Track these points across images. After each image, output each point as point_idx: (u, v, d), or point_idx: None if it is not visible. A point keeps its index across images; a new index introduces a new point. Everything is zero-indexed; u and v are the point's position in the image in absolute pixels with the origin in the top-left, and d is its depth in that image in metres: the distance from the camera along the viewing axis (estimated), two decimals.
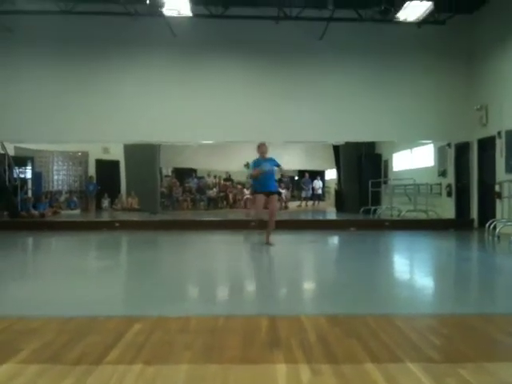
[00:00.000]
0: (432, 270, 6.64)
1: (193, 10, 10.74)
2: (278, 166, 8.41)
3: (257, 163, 8.34)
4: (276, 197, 8.63)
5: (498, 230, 9.39)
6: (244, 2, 11.50)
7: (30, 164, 16.46)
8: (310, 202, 22.05)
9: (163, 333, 3.33)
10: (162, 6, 9.78)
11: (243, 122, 12.11)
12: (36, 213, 13.61)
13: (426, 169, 14.54)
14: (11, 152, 14.55)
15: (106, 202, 18.23)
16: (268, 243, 8.35)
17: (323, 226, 12.10)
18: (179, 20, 11.23)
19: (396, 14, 10.79)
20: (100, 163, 18.75)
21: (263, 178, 8.26)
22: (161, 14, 10.55)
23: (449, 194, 13.16)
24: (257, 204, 8.50)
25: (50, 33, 11.90)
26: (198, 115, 12.07)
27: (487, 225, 10.02)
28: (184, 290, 5.21)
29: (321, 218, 14.77)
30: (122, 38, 11.99)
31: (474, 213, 12.16)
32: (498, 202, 10.77)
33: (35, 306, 4.19)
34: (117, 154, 17.74)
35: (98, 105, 11.99)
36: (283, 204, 15.45)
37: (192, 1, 10.31)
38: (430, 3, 10.35)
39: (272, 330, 3.38)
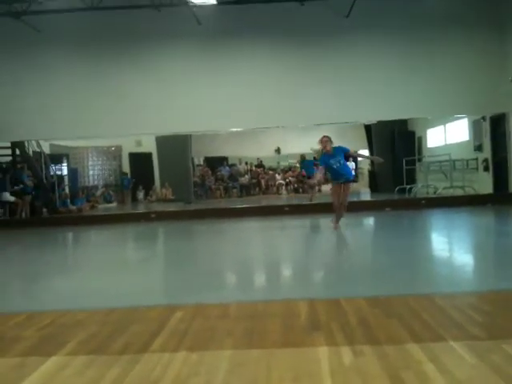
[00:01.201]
0: (470, 247, 6.52)
1: None
2: (348, 151, 8.14)
3: (323, 161, 8.00)
4: (350, 184, 8.28)
5: None
6: None
7: (65, 161, 16.86)
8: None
9: (204, 320, 3.38)
10: None
11: (272, 108, 12.05)
12: (74, 208, 13.93)
13: (461, 144, 14.21)
14: (47, 150, 14.91)
15: (140, 194, 18.50)
16: (336, 227, 8.12)
17: (358, 207, 11.98)
18: (204, 8, 11.22)
19: None
20: (133, 156, 19.01)
21: (335, 171, 7.94)
22: (185, 4, 10.54)
23: (486, 169, 12.84)
24: (333, 195, 8.10)
25: (76, 31, 12.08)
26: (227, 103, 12.08)
27: None
28: (222, 277, 5.26)
29: (355, 199, 14.60)
30: (147, 31, 12.07)
31: None
32: None
33: (79, 299, 4.30)
34: (149, 146, 17.94)
35: (127, 98, 12.13)
36: (317, 188, 15.35)
37: None
38: None
39: (312, 313, 3.39)
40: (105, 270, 5.75)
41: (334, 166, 7.85)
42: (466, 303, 3.53)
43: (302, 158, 16.65)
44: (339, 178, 7.96)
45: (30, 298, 4.62)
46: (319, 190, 15.84)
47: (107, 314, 3.65)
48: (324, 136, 8.08)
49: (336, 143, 8.37)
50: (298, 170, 20.09)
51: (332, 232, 7.98)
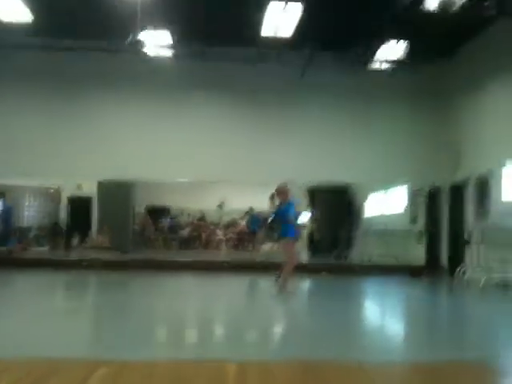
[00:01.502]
0: (401, 317, 6.64)
1: (173, 49, 10.91)
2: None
3: (286, 211, 7.59)
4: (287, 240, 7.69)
5: (466, 275, 9.49)
6: (224, 43, 11.62)
7: (0, 199, 16.11)
8: None
9: (129, 378, 3.23)
10: (143, 44, 9.93)
11: (219, 162, 12.20)
12: (4, 249, 13.24)
13: (398, 215, 14.70)
14: None
15: (76, 240, 17.85)
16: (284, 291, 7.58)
17: (296, 269, 12.02)
18: (159, 58, 11.38)
19: (372, 58, 11.14)
20: (72, 200, 18.47)
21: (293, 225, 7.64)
22: (141, 52, 10.66)
23: (419, 241, 13.29)
24: (292, 253, 7.81)
25: (30, 67, 11.96)
26: (174, 153, 12.13)
27: (457, 271, 10.12)
28: (151, 334, 5.08)
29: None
30: (100, 73, 12.09)
31: (444, 259, 12.29)
32: (467, 248, 10.92)
33: (2, 346, 4.03)
34: (90, 190, 17.51)
35: (73, 140, 12.00)
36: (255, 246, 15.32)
37: (173, 39, 10.48)
38: (405, 45, 10.71)
39: (241, 376, 3.31)
40: (30, 319, 5.44)
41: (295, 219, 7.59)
42: (396, 373, 3.55)
43: (251, 211, 15.29)
44: (296, 232, 7.74)
45: None
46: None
47: (27, 365, 3.43)
48: (284, 184, 7.87)
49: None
50: (241, 225, 20.11)
51: (273, 293, 7.91)
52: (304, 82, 12.18)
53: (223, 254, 17.12)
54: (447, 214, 12.35)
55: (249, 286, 10.08)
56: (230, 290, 9.08)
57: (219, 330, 5.44)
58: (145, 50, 10.37)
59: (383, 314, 6.83)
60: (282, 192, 7.79)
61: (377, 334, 5.30)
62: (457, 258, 11.46)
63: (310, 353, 4.14)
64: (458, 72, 12.16)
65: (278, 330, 5.55)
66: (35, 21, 9.49)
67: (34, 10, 9.11)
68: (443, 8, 8.45)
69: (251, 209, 14.93)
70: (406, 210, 14.32)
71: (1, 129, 11.84)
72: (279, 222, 7.72)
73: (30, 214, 18.30)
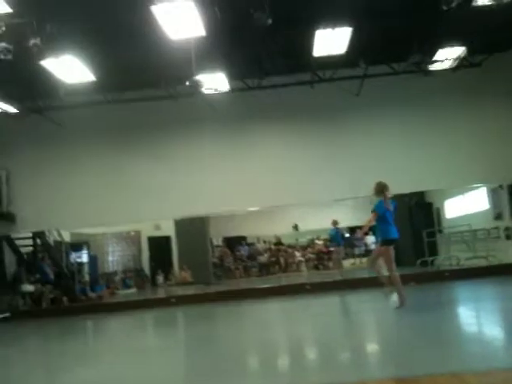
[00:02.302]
0: (499, 320, 6.28)
1: (230, 85, 11.17)
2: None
3: (381, 207, 7.14)
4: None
5: None
6: (278, 71, 11.78)
7: (85, 248, 16.98)
8: (364, 259, 21.57)
9: None
10: (201, 85, 10.22)
11: (288, 185, 12.24)
12: (94, 295, 13.86)
13: (481, 213, 14.09)
14: (67, 238, 15.09)
15: (160, 278, 18.39)
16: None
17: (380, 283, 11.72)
18: (218, 96, 11.67)
19: (430, 63, 10.88)
20: (152, 240, 19.13)
21: (391, 226, 7.08)
22: (200, 94, 10.97)
23: (508, 237, 12.62)
24: (388, 261, 7.11)
25: (96, 123, 12.61)
26: (243, 183, 12.31)
27: None
28: (244, 364, 5.10)
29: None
30: (165, 120, 12.57)
31: None
32: None
33: None
34: (168, 229, 18.07)
35: (147, 184, 12.46)
36: (337, 261, 15.05)
37: (229, 76, 10.74)
38: (463, 48, 10.40)
39: None
40: (123, 360, 5.63)
41: (390, 219, 6.97)
42: (500, 381, 3.36)
43: (334, 224, 14.11)
44: (394, 236, 7.06)
45: None
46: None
47: None
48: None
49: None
50: (318, 245, 19.98)
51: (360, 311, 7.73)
52: (363, 97, 12.07)
53: (304, 276, 16.99)
54: None
55: (334, 305, 9.89)
56: (315, 312, 8.97)
57: (311, 355, 5.37)
58: (203, 89, 10.65)
59: (479, 320, 6.49)
60: (384, 187, 7.17)
61: (475, 341, 5.03)
62: None
63: (407, 368, 4.00)
64: None
65: (370, 347, 5.40)
66: (97, 79, 10.02)
67: (94, 69, 9.63)
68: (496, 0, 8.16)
69: (335, 222, 14.47)
70: (489, 207, 13.70)
71: (75, 184, 12.50)
72: (387, 223, 7.10)
73: (114, 258, 19.12)
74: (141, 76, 11.22)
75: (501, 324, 6.05)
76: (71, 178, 12.58)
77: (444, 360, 4.16)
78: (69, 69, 9.17)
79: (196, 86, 9.93)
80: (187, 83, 9.86)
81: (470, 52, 10.86)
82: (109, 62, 10.15)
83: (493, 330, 5.64)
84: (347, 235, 20.59)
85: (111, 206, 12.42)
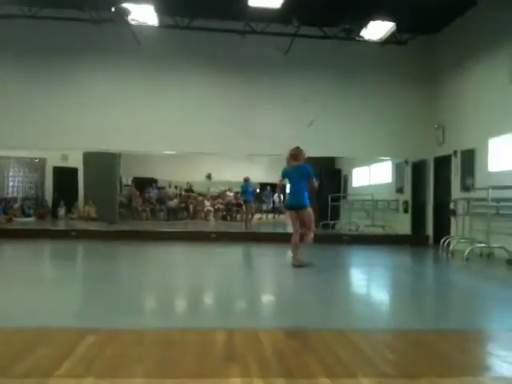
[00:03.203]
0: (387, 285, 6.75)
1: (159, 20, 10.72)
2: (310, 177, 7.30)
3: (285, 172, 7.51)
4: (306, 211, 7.34)
5: (451, 246, 9.66)
6: (211, 14, 11.52)
7: None
8: (271, 215, 22.21)
9: (117, 346, 3.26)
10: (127, 14, 9.71)
11: (206, 134, 12.12)
12: None
13: (384, 185, 14.86)
14: None
15: (62, 211, 17.79)
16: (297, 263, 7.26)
17: (282, 239, 12.15)
18: (145, 29, 11.19)
19: (359, 32, 11.08)
20: (58, 170, 18.34)
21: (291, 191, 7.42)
22: (126, 23, 10.46)
23: (405, 211, 13.47)
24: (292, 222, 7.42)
25: (11, 37, 11.66)
26: (161, 125, 12.03)
27: (441, 241, 10.28)
28: (140, 302, 5.12)
29: (281, 231, 14.82)
30: (85, 45, 11.88)
31: (430, 229, 12.49)
32: (452, 219, 11.08)
33: None
34: (75, 161, 17.37)
35: (58, 111, 11.82)
36: (249, 215, 15.41)
37: (158, 11, 10.30)
38: (393, 24, 10.69)
39: (229, 344, 3.36)
40: (16, 288, 5.44)
41: (293, 184, 7.31)
42: (380, 340, 3.64)
43: (245, 181, 15.05)
44: (293, 200, 7.35)
45: None
46: (251, 217, 15.81)
47: (14, 334, 3.45)
48: (298, 147, 7.51)
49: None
50: (229, 196, 20.19)
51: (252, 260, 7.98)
52: (291, 56, 12.07)
53: (211, 225, 17.18)
54: (433, 185, 12.50)
55: (240, 254, 10.13)
56: (218, 259, 9.13)
57: (207, 299, 5.49)
58: (129, 19, 10.13)
59: (368, 283, 6.94)
60: (298, 155, 7.41)
61: (363, 302, 5.39)
62: (442, 229, 11.65)
63: (297, 322, 4.21)
64: (444, 50, 12.14)
65: (265, 299, 5.62)
66: None
67: None
68: None
69: (246, 179, 14.85)
70: (392, 181, 14.46)
71: None
72: (297, 189, 7.32)
73: (14, 184, 18.16)
74: None
75: (386, 288, 6.50)
76: None
77: (331, 317, 4.44)
78: None
79: (122, 13, 9.42)
80: (113, 9, 9.33)
81: (399, 29, 11.17)
82: None
83: (379, 294, 6.04)
84: (257, 191, 20.99)
85: (17, 129, 11.67)
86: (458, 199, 10.82)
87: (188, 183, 21.07)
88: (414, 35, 12.27)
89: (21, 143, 12.12)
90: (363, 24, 10.83)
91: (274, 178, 21.11)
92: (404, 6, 10.25)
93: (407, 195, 13.49)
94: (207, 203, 20.00)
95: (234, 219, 19.35)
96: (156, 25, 10.93)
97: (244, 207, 16.03)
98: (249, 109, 12.33)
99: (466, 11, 11.04)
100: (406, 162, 13.45)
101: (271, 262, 8.84)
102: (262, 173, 21.11)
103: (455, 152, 11.31)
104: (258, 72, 12.39)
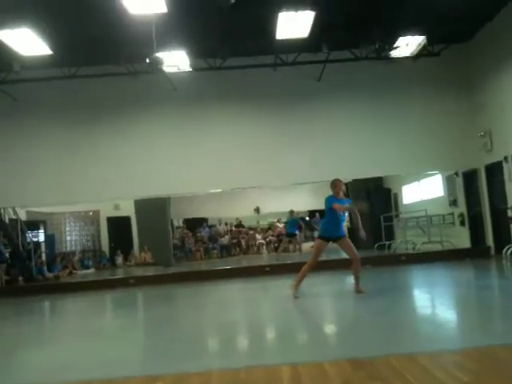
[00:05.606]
0: (452, 303, 6.51)
1: (192, 65, 11.04)
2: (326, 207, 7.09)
3: (332, 202, 6.98)
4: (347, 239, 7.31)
5: None
6: (241, 52, 11.74)
7: (42, 227, 16.60)
8: None
9: None
10: (161, 63, 10.04)
11: (248, 168, 12.27)
12: (50, 275, 13.61)
13: (437, 199, 14.47)
14: (23, 216, 14.70)
15: (119, 259, 18.20)
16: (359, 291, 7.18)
17: (339, 265, 11.95)
18: (179, 75, 11.53)
19: (390, 50, 11.02)
20: (111, 220, 18.87)
21: (336, 223, 7.06)
22: (161, 71, 10.81)
23: (462, 223, 13.04)
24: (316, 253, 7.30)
25: (53, 99, 12.30)
26: (204, 165, 12.26)
27: (504, 251, 9.87)
28: (203, 344, 5.12)
29: (335, 257, 14.60)
30: (124, 97, 12.33)
31: (490, 240, 12.02)
32: None
33: (55, 372, 4.13)
34: (127, 209, 17.85)
35: (105, 163, 12.27)
36: (297, 246, 15.35)
37: (191, 55, 10.61)
38: (423, 37, 10.57)
39: (295, 378, 3.31)
40: (80, 341, 5.57)
41: (339, 216, 7.00)
42: (450, 362, 3.49)
43: (291, 214, 15.35)
44: (335, 232, 7.13)
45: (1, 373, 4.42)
46: (299, 249, 15.73)
47: None
48: (339, 180, 7.20)
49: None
50: (279, 227, 20.13)
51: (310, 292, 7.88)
52: (324, 82, 12.16)
53: (264, 258, 17.12)
54: (487, 194, 12.08)
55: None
56: (275, 293, 9.06)
57: (269, 335, 5.44)
58: (164, 68, 10.47)
59: (432, 302, 6.71)
60: (339, 185, 7.10)
61: (429, 323, 5.20)
62: (503, 238, 11.20)
63: (362, 350, 4.11)
64: (479, 56, 11.91)
65: (328, 329, 5.53)
66: (54, 53, 9.72)
67: (51, 43, 9.33)
68: None
69: (291, 211, 15.03)
70: (444, 194, 14.09)
71: (31, 161, 12.17)
72: (337, 220, 7.06)
73: (72, 238, 18.79)
74: (100, 51, 10.98)
75: (452, 307, 6.27)
76: (28, 154, 12.23)
77: (398, 342, 4.30)
78: (25, 41, 8.86)
79: (156, 63, 9.75)
80: (147, 60, 9.68)
81: (430, 41, 11.06)
82: (67, 36, 9.89)
83: (444, 313, 5.83)
84: (307, 219, 20.85)
85: (69, 184, 12.17)
86: None
87: (237, 219, 21.20)
88: (445, 45, 12.11)
89: (74, 198, 12.63)
90: (393, 41, 10.77)
91: (322, 204, 21.01)
92: (430, 17, 10.16)
93: (462, 207, 13.08)
94: (258, 236, 20.00)
95: (286, 250, 19.24)
96: (189, 69, 11.24)
97: (287, 239, 16.08)
98: (288, 139, 12.43)
99: (494, 16, 10.91)
100: (457, 174, 13.09)
101: (327, 291, 8.68)
102: (308, 200, 20.99)
103: (506, 158, 10.94)
104: (294, 103, 12.49)
